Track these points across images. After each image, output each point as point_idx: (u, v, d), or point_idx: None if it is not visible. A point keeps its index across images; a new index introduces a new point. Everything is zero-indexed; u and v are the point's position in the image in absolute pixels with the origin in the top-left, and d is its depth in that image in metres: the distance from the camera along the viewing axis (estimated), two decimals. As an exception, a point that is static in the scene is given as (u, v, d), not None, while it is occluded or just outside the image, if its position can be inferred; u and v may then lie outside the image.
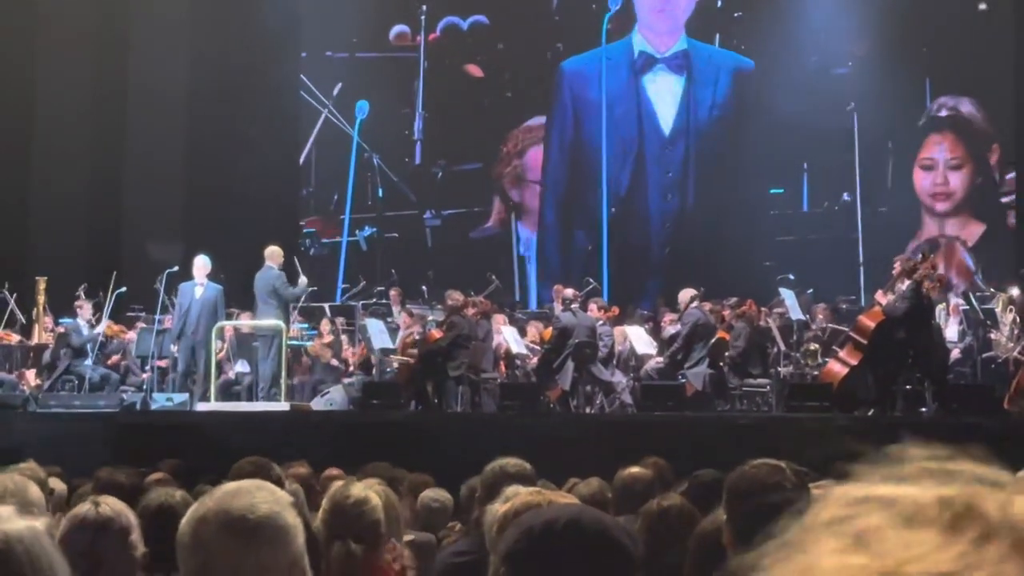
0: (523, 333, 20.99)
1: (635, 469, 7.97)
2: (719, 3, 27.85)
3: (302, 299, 20.99)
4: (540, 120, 28.71)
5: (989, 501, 0.93)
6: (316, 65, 28.73)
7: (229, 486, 3.33)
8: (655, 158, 27.83)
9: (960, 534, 0.90)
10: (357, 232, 28.86)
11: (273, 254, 20.10)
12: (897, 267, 17.76)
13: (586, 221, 27.88)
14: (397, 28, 29.26)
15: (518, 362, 20.23)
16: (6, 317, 21.64)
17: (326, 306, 22.42)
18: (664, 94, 28.02)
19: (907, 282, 17.55)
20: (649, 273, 26.88)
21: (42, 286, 21.57)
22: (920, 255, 18.15)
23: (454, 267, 25.62)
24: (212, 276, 20.12)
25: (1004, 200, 25.69)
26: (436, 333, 19.53)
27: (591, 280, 22.87)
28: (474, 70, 29.12)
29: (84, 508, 4.34)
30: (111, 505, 4.40)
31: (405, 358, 20.06)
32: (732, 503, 5.37)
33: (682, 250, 26.56)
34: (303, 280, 20.47)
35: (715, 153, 27.13)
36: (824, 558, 0.93)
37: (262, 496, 3.20)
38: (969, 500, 0.93)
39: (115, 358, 21.28)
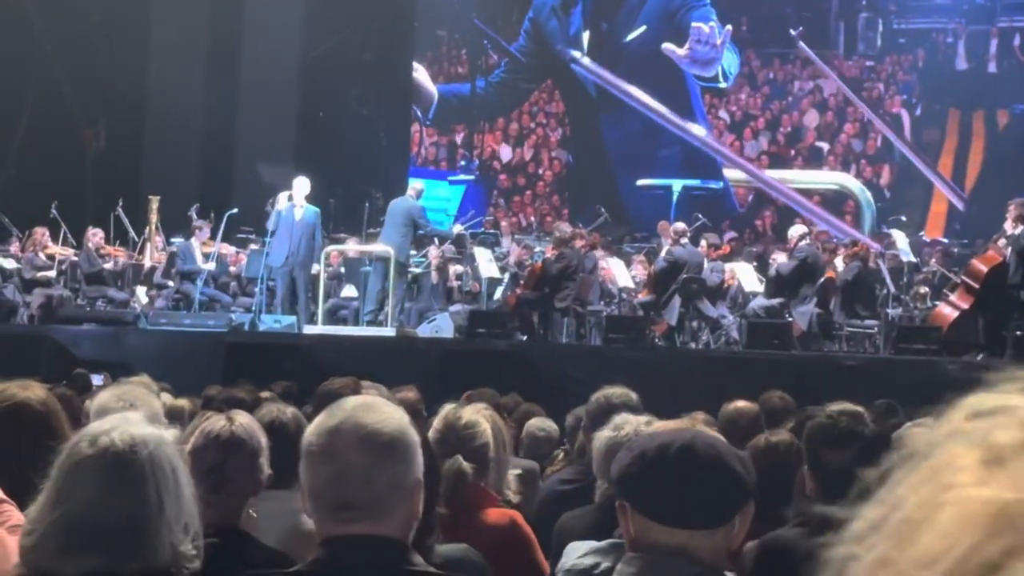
0: (628, 266, 21.02)
1: (741, 403, 7.99)
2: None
3: (438, 239, 21.26)
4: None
5: None
6: None
7: (356, 399, 3.40)
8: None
9: None
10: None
11: (415, 185, 20.68)
12: (1012, 211, 17.57)
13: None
14: None
15: (624, 295, 20.23)
16: (112, 233, 21.91)
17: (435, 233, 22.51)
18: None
19: (1021, 227, 17.39)
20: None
21: (155, 205, 21.80)
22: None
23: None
24: (322, 200, 20.27)
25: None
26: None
27: (700, 215, 22.76)
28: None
29: (219, 424, 4.40)
30: (244, 424, 4.47)
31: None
32: (811, 453, 5.41)
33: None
34: (457, 227, 21.08)
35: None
36: (959, 472, 0.91)
37: (389, 412, 3.27)
38: None
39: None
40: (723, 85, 27.71)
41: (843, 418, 5.56)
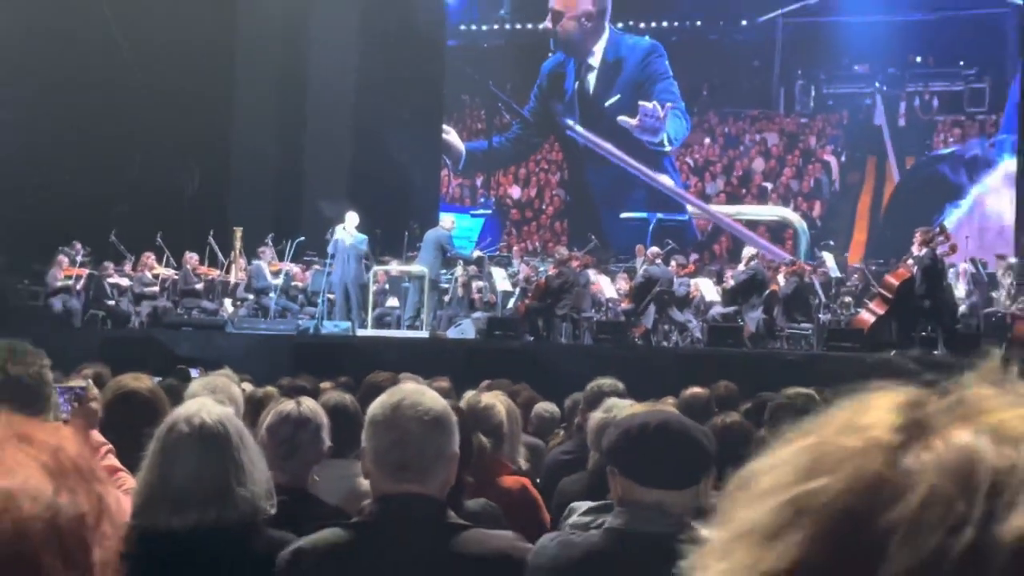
0: (614, 281, 21.02)
1: (696, 389, 8.05)
2: None
3: (462, 261, 21.33)
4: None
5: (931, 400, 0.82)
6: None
7: (410, 386, 3.44)
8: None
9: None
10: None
11: (446, 219, 20.99)
12: (918, 237, 17.59)
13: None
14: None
15: (610, 304, 20.23)
16: (205, 257, 22.02)
17: (461, 255, 22.54)
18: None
19: (925, 249, 17.39)
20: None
21: (239, 234, 21.89)
22: (937, 227, 17.95)
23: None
24: (368, 229, 20.40)
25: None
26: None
27: (670, 241, 22.75)
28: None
29: (288, 406, 4.41)
30: (310, 406, 4.47)
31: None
32: (774, 426, 5.40)
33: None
34: (477, 252, 21.28)
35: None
36: (820, 428, 0.85)
37: (435, 396, 3.31)
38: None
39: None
40: (667, 149, 27.57)
41: (800, 398, 5.57)
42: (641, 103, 27.23)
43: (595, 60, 27.62)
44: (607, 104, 27.55)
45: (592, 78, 27.70)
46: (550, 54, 27.83)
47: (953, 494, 0.71)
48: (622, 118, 27.24)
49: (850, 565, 0.73)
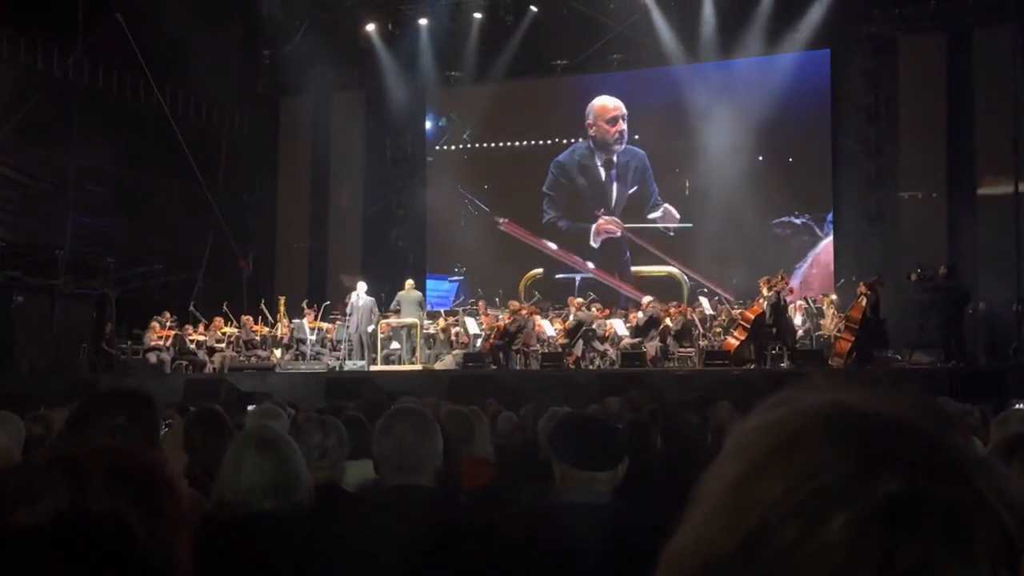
0: (552, 324, 21.04)
1: (611, 399, 8.06)
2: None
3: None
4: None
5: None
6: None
7: (407, 404, 3.44)
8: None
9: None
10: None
11: (408, 283, 20.89)
12: (762, 284, 17.78)
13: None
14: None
15: (550, 340, 20.22)
16: (258, 319, 21.92)
17: (442, 310, 22.51)
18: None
19: (771, 292, 17.54)
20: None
21: (283, 301, 21.83)
22: (780, 275, 18.12)
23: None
24: (376, 294, 20.48)
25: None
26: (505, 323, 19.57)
27: (592, 293, 22.83)
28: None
29: (317, 422, 4.38)
30: (332, 421, 4.44)
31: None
32: (664, 424, 5.42)
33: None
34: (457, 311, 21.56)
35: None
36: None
37: (423, 411, 3.31)
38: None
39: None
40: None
41: (682, 409, 5.58)
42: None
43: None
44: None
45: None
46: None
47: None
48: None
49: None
